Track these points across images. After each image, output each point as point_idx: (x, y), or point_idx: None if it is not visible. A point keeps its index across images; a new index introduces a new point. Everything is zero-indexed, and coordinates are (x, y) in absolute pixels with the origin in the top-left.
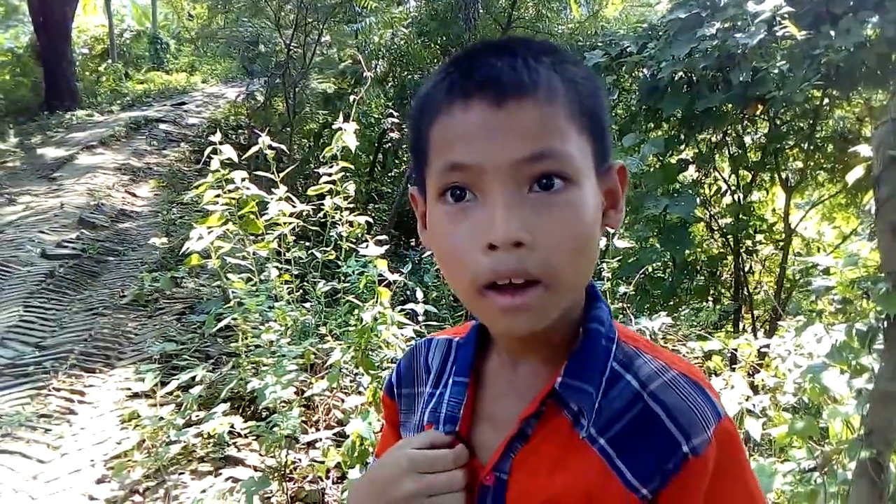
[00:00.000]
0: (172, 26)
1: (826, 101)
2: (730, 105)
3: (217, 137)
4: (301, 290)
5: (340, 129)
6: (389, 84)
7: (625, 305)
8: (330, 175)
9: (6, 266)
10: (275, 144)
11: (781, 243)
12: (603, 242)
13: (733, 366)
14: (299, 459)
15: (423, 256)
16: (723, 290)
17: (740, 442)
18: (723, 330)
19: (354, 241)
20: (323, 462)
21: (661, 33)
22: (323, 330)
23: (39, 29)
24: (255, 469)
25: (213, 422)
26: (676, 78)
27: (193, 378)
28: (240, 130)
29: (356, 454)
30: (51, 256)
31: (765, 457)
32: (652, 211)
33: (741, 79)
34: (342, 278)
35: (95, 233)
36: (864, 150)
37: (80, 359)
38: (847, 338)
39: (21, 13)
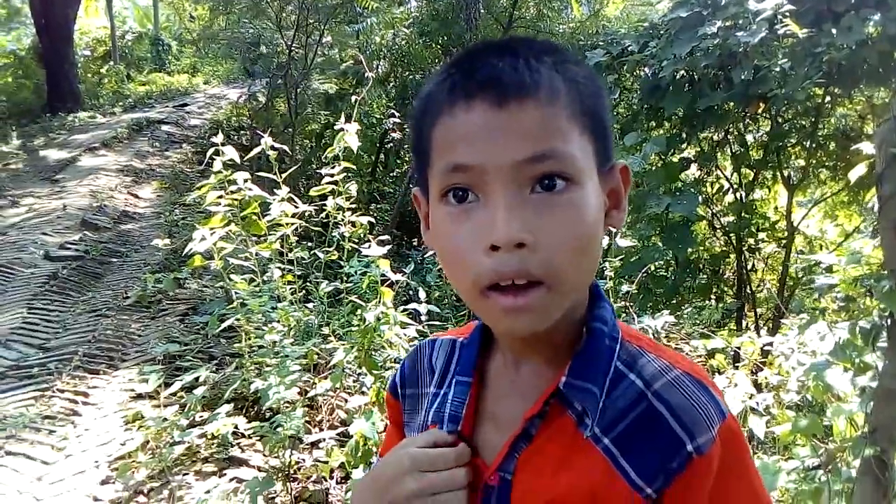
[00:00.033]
0: (174, 28)
1: (828, 98)
2: (731, 103)
3: (219, 139)
4: (304, 291)
5: (342, 129)
6: (391, 84)
7: (627, 304)
8: (332, 175)
9: (10, 268)
10: (277, 145)
11: (784, 241)
12: (605, 241)
13: (736, 364)
14: (303, 460)
15: (425, 256)
16: (725, 289)
17: (744, 441)
18: (726, 328)
19: (357, 241)
20: (327, 462)
21: (662, 32)
22: (326, 330)
23: (41, 31)
24: (259, 469)
25: (217, 422)
26: (678, 76)
27: (197, 379)
28: (242, 131)
29: (360, 454)
30: (54, 258)
31: (769, 455)
32: (654, 209)
33: (743, 77)
34: (345, 278)
35: (98, 234)
36: (867, 147)
37: (84, 360)
38: (850, 335)
39: (23, 15)
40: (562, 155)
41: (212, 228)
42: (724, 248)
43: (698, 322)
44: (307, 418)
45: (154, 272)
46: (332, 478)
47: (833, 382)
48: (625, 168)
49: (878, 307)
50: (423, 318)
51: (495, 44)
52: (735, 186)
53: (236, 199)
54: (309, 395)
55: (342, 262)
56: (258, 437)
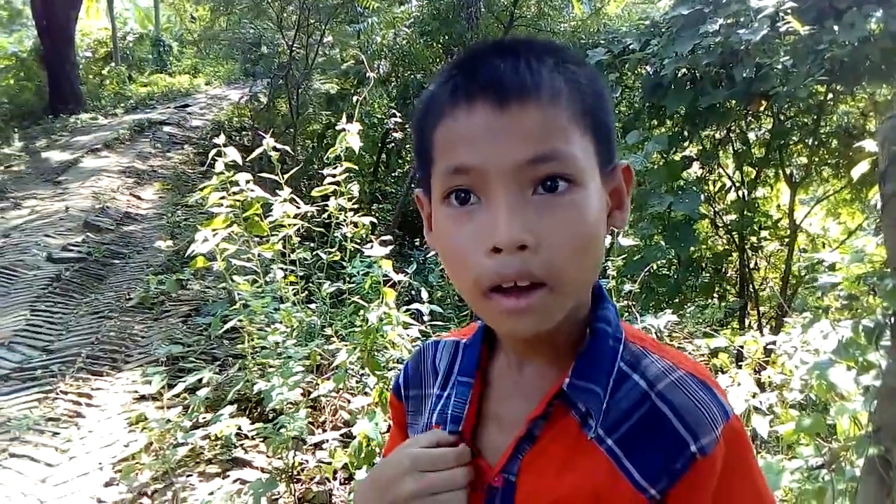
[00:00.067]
0: (175, 29)
1: (830, 96)
2: (733, 101)
3: (221, 140)
4: (306, 292)
5: (344, 129)
6: (392, 84)
7: (630, 303)
8: (334, 176)
9: (13, 270)
10: (279, 146)
11: (786, 239)
12: (607, 241)
13: (739, 363)
14: (306, 461)
15: (427, 256)
16: (728, 287)
17: (748, 441)
18: (728, 327)
19: (359, 241)
20: (330, 463)
21: (663, 30)
22: (328, 331)
23: (43, 33)
24: (263, 471)
25: (221, 424)
26: (679, 75)
27: (200, 380)
28: (243, 132)
29: (363, 455)
30: (57, 260)
31: (772, 454)
32: (656, 208)
33: (744, 75)
34: (347, 279)
35: (101, 236)
36: (869, 145)
37: (87, 362)
38: (854, 334)
39: (25, 17)
40: (563, 156)
41: (214, 230)
42: (727, 247)
43: (701, 321)
44: (310, 419)
45: (157, 273)
46: (335, 479)
47: (836, 381)
48: (627, 168)
49: (882, 305)
50: (426, 318)
51: (497, 45)
52: (737, 184)
53: (238, 201)
54: (312, 395)
55: (344, 263)
56: (261, 439)
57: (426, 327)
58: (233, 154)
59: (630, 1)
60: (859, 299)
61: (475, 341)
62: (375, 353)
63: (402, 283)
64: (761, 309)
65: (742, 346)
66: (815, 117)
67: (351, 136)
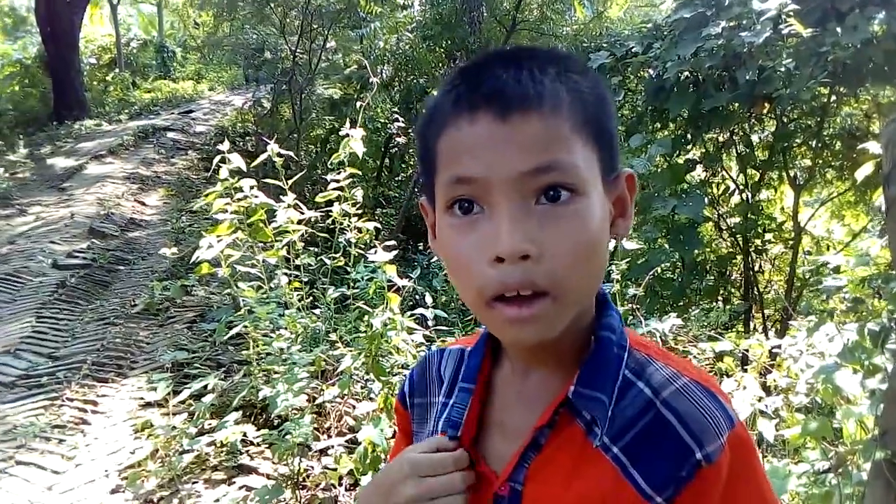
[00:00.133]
0: (178, 35)
1: (833, 98)
2: (736, 104)
3: (225, 146)
4: (311, 297)
5: (347, 134)
6: (395, 89)
7: (634, 307)
8: (338, 181)
9: (18, 277)
10: (283, 151)
11: (791, 242)
12: (611, 244)
13: (745, 366)
14: (312, 467)
15: (431, 261)
16: (732, 290)
17: (753, 447)
18: (733, 330)
19: (363, 246)
20: (335, 469)
21: (666, 33)
22: (333, 336)
23: (47, 39)
24: (269, 477)
25: (226, 430)
26: (682, 78)
27: (205, 387)
28: (247, 137)
29: (368, 461)
30: (62, 267)
31: (778, 458)
32: (660, 211)
33: (747, 77)
34: (351, 284)
35: (105, 242)
36: (873, 146)
37: (93, 368)
38: (859, 337)
39: (29, 24)
40: (565, 166)
41: (218, 236)
42: (731, 250)
43: (705, 324)
44: (315, 425)
45: (161, 280)
46: (341, 485)
47: (842, 384)
48: (631, 176)
49: (887, 308)
50: (431, 322)
51: (501, 54)
52: (741, 187)
53: (243, 206)
54: (317, 401)
55: (349, 268)
56: (267, 445)
57: (431, 332)
58: (237, 160)
59: (632, 4)
60: (864, 302)
61: (478, 348)
62: (380, 359)
63: (407, 288)
64: (766, 312)
65: (747, 350)
66: (819, 119)
67: (354, 141)
